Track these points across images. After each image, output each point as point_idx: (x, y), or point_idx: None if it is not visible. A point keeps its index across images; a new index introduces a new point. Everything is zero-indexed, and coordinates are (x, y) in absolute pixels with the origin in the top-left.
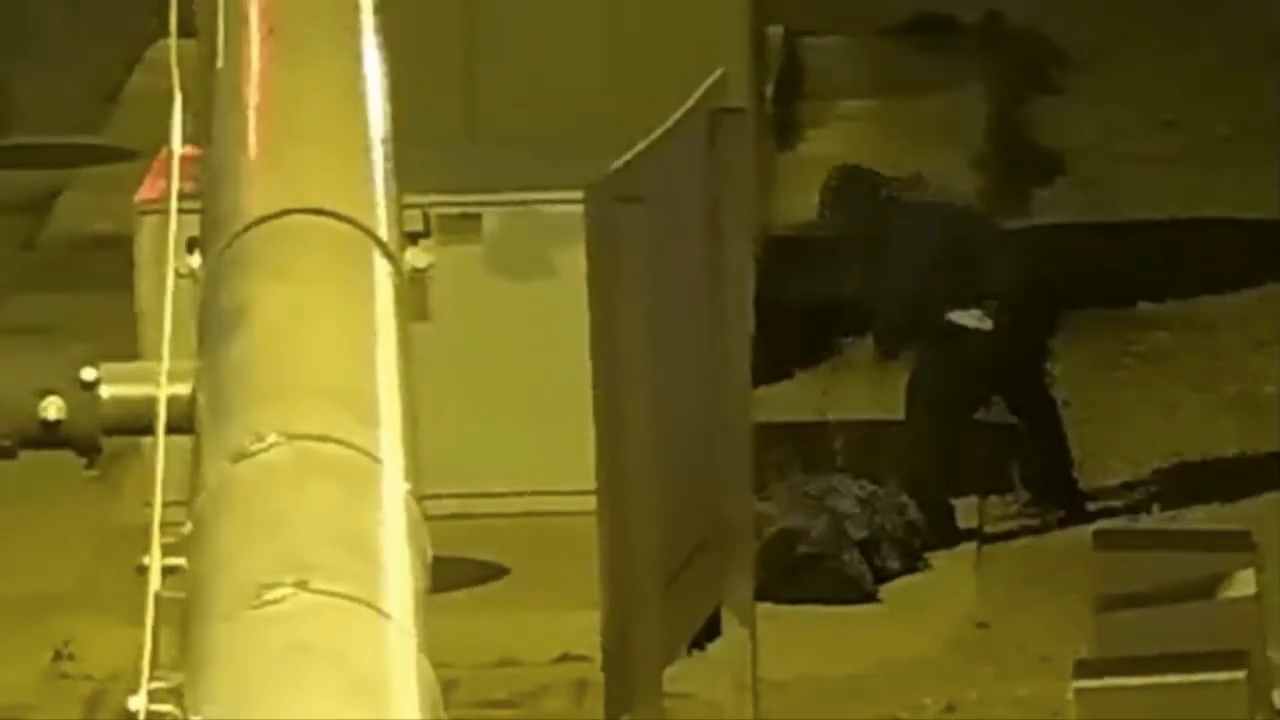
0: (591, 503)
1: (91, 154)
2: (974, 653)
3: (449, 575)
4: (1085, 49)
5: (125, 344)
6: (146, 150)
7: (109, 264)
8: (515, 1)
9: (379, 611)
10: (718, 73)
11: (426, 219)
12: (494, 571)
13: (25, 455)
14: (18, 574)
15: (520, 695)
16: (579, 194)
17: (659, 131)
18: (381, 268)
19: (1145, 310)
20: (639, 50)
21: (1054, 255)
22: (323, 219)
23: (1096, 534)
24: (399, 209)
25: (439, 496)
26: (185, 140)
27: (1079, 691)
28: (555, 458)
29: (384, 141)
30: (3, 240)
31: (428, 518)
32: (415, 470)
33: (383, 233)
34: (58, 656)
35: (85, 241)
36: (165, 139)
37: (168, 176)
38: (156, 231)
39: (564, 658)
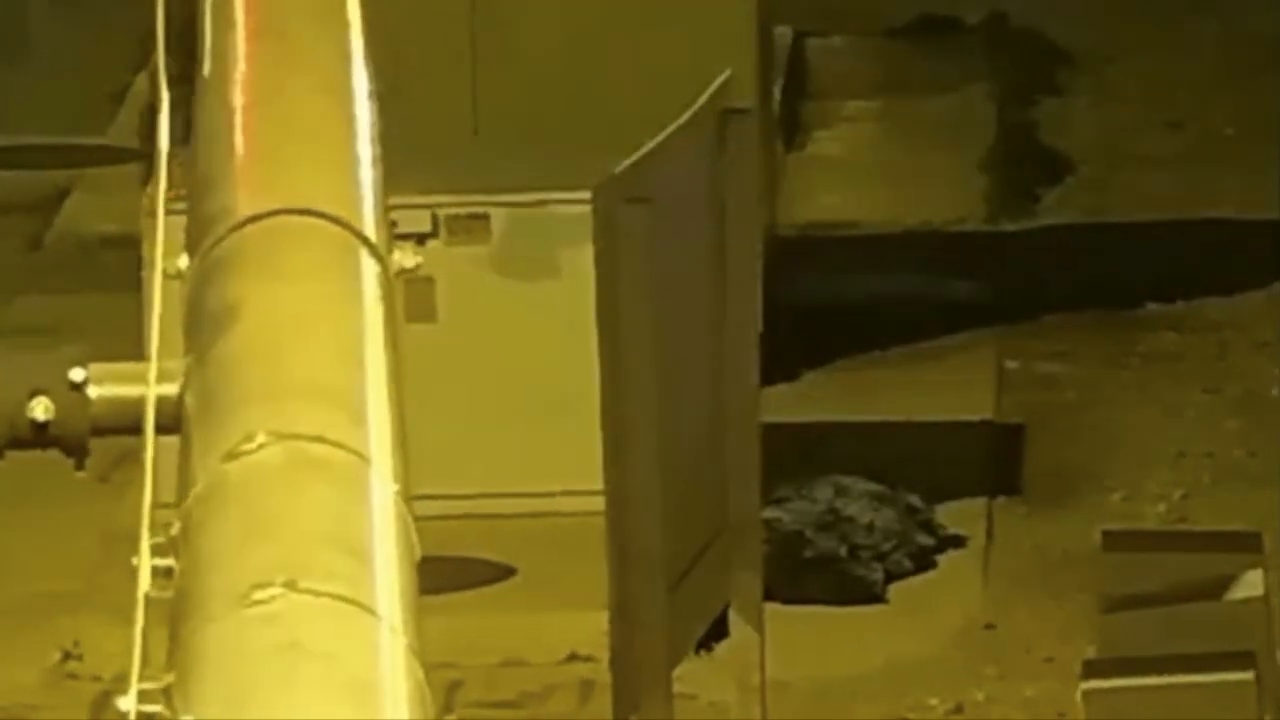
0: (599, 503)
1: (98, 155)
2: (980, 653)
3: (456, 575)
4: (1090, 49)
5: (132, 345)
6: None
7: (115, 265)
8: (522, 2)
9: (369, 611)
10: (726, 73)
11: (434, 219)
12: (501, 572)
13: (30, 456)
14: (25, 574)
15: (526, 696)
16: (587, 194)
17: (667, 132)
18: (369, 267)
19: (1150, 311)
20: (646, 51)
21: (1058, 256)
22: (310, 219)
23: (1104, 534)
24: (386, 208)
25: (445, 497)
26: (182, 142)
27: (1087, 692)
28: (562, 458)
29: (371, 141)
30: (9, 241)
31: (430, 518)
32: (405, 470)
33: (370, 232)
34: (66, 657)
35: (92, 242)
36: (171, 141)
37: (176, 178)
38: (165, 233)
39: (571, 658)
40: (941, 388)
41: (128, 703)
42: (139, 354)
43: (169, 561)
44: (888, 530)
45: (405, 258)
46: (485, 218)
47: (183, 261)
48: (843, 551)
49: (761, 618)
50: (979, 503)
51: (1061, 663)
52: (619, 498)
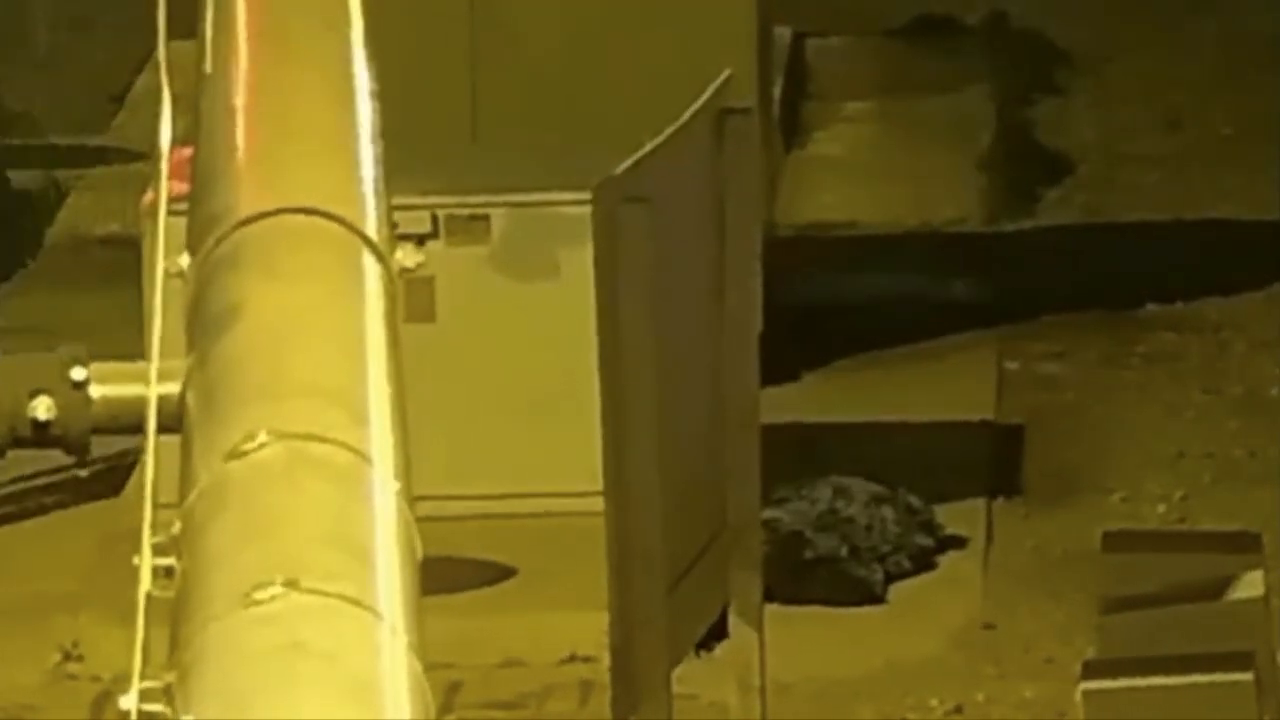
0: (599, 504)
1: (98, 155)
2: (980, 654)
3: (456, 576)
4: (1089, 49)
5: (133, 345)
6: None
7: (115, 265)
8: (521, 2)
9: (370, 611)
10: (726, 73)
11: (434, 220)
12: (501, 573)
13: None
14: (24, 574)
15: (525, 696)
16: (586, 195)
17: (667, 133)
18: (371, 267)
19: (1150, 311)
20: (646, 51)
21: (1058, 256)
22: (312, 218)
23: (1104, 535)
24: (389, 207)
25: (445, 498)
26: (182, 142)
27: (1086, 693)
28: (562, 458)
29: (373, 140)
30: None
31: (431, 519)
32: (406, 469)
33: (372, 232)
34: (66, 658)
35: (91, 242)
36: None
37: (177, 179)
38: (165, 233)
39: (570, 659)
40: (941, 388)
41: (129, 701)
42: (139, 354)
43: (170, 561)
44: (887, 531)
45: (407, 257)
46: (485, 218)
47: (184, 260)
48: (843, 552)
49: (761, 618)
50: (979, 503)
51: (1061, 663)
52: (619, 498)
